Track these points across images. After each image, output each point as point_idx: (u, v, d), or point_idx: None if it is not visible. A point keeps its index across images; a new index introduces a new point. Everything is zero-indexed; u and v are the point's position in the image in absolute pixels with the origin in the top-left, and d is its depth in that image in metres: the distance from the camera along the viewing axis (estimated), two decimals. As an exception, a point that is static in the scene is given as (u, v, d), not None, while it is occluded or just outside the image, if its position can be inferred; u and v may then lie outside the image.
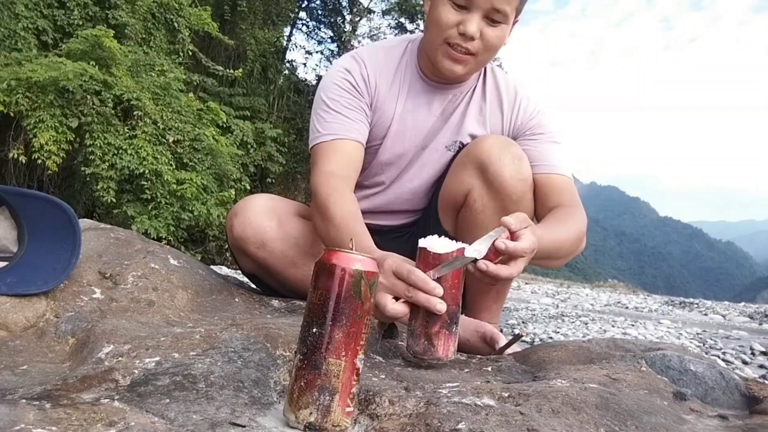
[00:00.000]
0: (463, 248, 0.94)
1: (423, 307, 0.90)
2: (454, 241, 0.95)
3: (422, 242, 0.94)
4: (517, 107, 1.42)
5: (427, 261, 0.93)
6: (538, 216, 1.30)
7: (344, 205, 1.14)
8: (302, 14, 15.63)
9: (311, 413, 0.66)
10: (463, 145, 1.40)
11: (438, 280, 0.92)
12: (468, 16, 1.19)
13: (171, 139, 8.11)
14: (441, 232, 1.36)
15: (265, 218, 1.25)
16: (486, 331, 1.20)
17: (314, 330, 0.67)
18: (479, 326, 1.23)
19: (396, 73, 1.38)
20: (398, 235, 1.48)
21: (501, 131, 1.42)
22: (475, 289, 1.38)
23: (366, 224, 1.48)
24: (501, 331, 1.54)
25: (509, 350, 1.19)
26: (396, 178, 1.44)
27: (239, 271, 1.60)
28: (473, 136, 1.40)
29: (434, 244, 0.93)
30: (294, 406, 0.67)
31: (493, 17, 1.20)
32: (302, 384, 0.66)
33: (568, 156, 1.44)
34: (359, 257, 0.69)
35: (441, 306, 0.89)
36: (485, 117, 1.41)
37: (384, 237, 1.49)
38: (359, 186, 1.47)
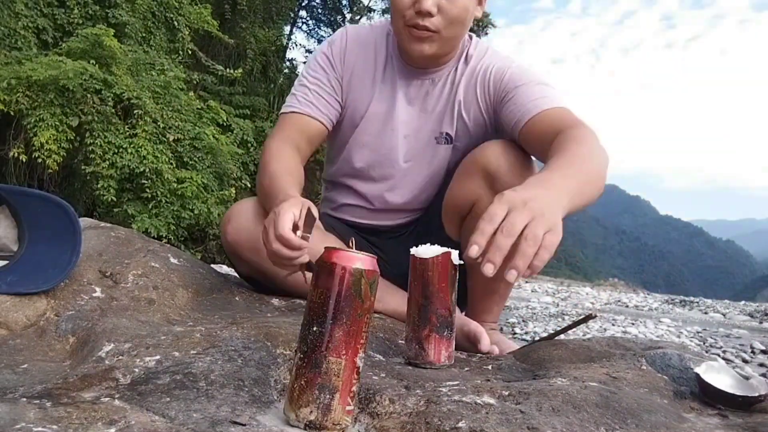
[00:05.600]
0: (449, 252, 0.96)
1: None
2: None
3: (413, 250, 0.97)
4: (488, 80, 1.33)
5: (414, 266, 0.96)
6: (543, 161, 1.13)
7: (282, 162, 1.25)
8: (302, 13, 15.62)
9: (311, 412, 0.66)
10: (450, 138, 1.37)
11: (426, 283, 0.94)
12: None
13: (171, 138, 8.10)
14: (443, 238, 1.35)
15: (258, 223, 1.20)
16: (470, 329, 1.18)
17: (315, 329, 0.67)
18: (465, 324, 1.20)
19: (376, 54, 1.37)
20: (396, 235, 1.48)
21: (482, 118, 1.35)
22: (478, 292, 1.36)
23: (365, 224, 1.48)
24: (501, 329, 1.53)
25: (510, 349, 1.19)
26: (381, 165, 1.41)
27: (238, 272, 1.59)
28: (464, 130, 1.36)
29: (420, 250, 0.96)
30: (294, 404, 0.67)
31: None
32: (302, 382, 0.66)
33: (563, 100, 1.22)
34: (360, 256, 0.69)
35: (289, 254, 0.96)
36: (468, 109, 1.35)
37: (382, 237, 1.48)
38: (347, 175, 1.46)
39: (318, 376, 0.66)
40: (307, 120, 1.35)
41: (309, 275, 1.04)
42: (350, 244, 0.76)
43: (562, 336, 1.25)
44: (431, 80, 1.36)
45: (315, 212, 1.01)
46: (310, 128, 1.36)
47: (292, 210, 0.98)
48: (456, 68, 1.36)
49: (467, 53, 1.37)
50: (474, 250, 0.72)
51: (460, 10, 1.21)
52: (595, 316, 1.15)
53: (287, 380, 0.81)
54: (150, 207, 7.73)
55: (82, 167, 7.54)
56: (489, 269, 0.71)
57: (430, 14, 1.18)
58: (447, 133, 1.37)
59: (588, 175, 0.94)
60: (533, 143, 1.19)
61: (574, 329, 1.17)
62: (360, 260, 0.69)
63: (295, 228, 0.96)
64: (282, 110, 1.39)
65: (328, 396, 0.66)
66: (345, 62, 1.37)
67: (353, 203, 1.48)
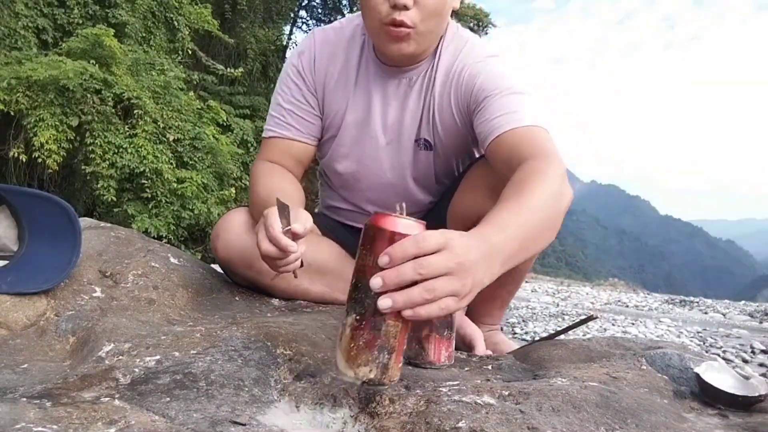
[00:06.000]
0: None
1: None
2: None
3: None
4: (461, 86, 1.22)
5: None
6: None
7: (271, 181, 1.24)
8: (302, 13, 15.64)
9: (371, 370, 0.68)
10: (430, 144, 1.30)
11: None
12: None
13: (171, 138, 8.11)
14: None
15: (248, 237, 1.17)
16: (466, 333, 1.16)
17: (372, 292, 0.67)
18: (462, 326, 1.18)
19: (348, 56, 1.29)
20: None
21: (456, 126, 1.26)
22: (482, 298, 1.33)
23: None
24: (501, 329, 1.53)
25: (510, 349, 1.19)
26: (366, 176, 1.36)
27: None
28: (440, 136, 1.28)
29: None
30: (353, 363, 0.68)
31: None
32: (361, 343, 0.68)
33: (539, 109, 1.13)
34: (412, 222, 0.70)
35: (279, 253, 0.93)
36: (443, 116, 1.27)
37: None
38: (337, 185, 1.44)
39: (378, 338, 0.68)
40: (289, 143, 1.31)
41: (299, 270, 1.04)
42: (399, 209, 0.74)
43: (562, 336, 1.25)
44: (408, 79, 1.27)
45: (308, 220, 0.98)
46: (294, 150, 1.32)
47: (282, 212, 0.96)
48: (431, 66, 1.26)
49: (441, 46, 1.26)
50: (383, 260, 0.65)
51: (437, 1, 1.12)
52: (596, 317, 1.14)
53: (287, 380, 0.81)
54: (150, 207, 7.74)
55: (82, 167, 7.55)
56: (376, 283, 0.65)
57: (405, 7, 1.09)
58: (425, 139, 1.30)
59: (535, 229, 0.86)
60: (497, 166, 1.13)
61: (574, 329, 1.17)
62: (412, 226, 0.69)
63: (287, 233, 0.94)
64: (263, 134, 1.34)
65: (386, 356, 0.68)
66: (316, 71, 1.30)
67: (348, 208, 1.46)
